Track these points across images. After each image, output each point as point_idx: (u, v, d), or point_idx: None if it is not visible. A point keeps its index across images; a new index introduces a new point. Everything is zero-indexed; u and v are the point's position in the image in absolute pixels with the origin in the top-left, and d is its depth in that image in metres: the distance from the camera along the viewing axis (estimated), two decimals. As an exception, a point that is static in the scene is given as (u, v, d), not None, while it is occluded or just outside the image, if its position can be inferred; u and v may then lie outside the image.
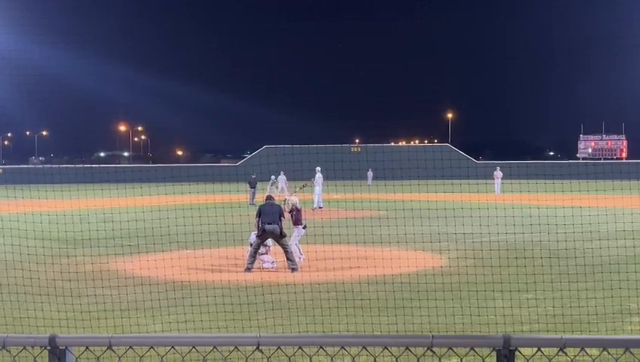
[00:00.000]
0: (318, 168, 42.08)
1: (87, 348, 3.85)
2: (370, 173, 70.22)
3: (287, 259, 18.46)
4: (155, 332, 11.09)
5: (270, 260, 18.90)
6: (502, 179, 54.38)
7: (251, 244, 18.61)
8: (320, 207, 39.68)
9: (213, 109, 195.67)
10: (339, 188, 38.05)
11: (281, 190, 45.56)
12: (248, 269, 18.26)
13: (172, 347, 3.81)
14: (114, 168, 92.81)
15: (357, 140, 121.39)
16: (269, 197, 19.58)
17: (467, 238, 23.51)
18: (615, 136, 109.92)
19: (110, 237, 17.85)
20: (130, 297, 13.87)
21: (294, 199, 20.79)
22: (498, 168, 57.00)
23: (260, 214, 18.59)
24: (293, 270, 18.16)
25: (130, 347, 3.85)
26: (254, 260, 18.52)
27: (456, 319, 12.04)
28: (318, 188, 40.82)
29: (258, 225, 18.39)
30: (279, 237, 18.48)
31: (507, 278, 13.61)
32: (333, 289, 15.05)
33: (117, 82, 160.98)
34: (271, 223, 18.33)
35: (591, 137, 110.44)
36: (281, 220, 18.54)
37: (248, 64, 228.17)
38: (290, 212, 20.28)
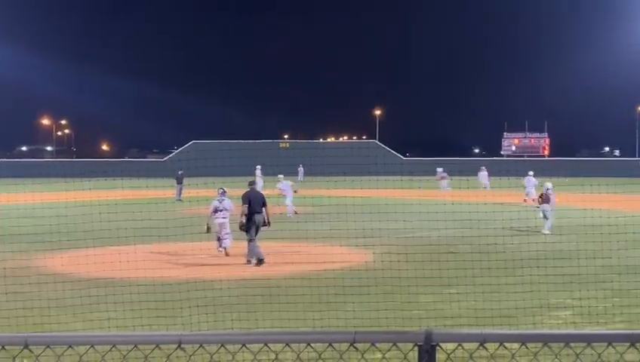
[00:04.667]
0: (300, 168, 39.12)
1: (2, 347, 3.74)
2: (301, 169, 70.15)
3: (248, 249, 18.65)
4: (76, 330, 10.87)
5: (227, 244, 19.67)
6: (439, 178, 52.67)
7: (250, 240, 18.71)
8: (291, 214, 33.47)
9: (139, 103, 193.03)
10: (268, 185, 37.87)
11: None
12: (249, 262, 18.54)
13: (92, 346, 3.73)
14: (37, 162, 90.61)
15: (286, 136, 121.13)
16: (252, 183, 19.98)
17: (392, 234, 23.76)
18: (538, 134, 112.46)
19: (32, 233, 17.34)
20: (51, 295, 13.55)
21: (548, 184, 25.53)
22: (442, 170, 53.51)
23: (248, 201, 18.79)
24: (248, 262, 18.47)
25: (48, 346, 3.75)
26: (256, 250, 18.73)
27: (380, 314, 12.15)
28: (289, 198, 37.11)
29: (245, 212, 18.64)
30: (261, 225, 18.84)
31: (431, 273, 13.79)
32: (259, 286, 15.01)
33: (40, 74, 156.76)
34: (259, 212, 18.78)
35: (514, 135, 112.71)
36: (263, 209, 18.90)
37: (176, 56, 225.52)
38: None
